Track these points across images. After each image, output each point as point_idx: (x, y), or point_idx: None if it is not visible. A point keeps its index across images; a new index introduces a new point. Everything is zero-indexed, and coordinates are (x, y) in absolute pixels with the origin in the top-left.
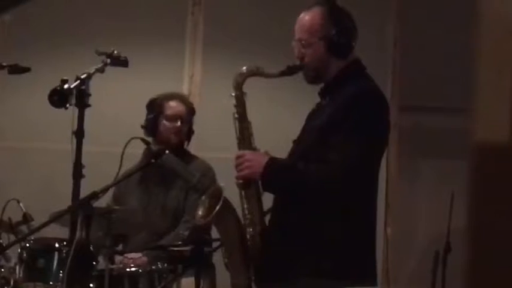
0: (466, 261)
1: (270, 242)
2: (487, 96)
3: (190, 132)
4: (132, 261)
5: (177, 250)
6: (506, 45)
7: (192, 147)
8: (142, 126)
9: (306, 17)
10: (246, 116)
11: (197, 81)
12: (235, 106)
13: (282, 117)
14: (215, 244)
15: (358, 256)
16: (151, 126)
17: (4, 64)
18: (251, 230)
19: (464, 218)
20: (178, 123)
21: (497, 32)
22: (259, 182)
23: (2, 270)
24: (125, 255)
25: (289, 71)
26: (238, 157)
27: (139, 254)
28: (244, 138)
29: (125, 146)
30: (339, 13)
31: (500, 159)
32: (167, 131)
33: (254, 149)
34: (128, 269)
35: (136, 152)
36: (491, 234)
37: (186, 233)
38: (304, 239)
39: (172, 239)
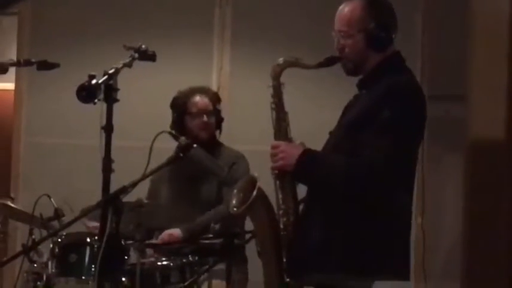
0: (462, 249)
1: (300, 234)
2: (482, 92)
3: (219, 122)
4: (168, 236)
5: (208, 243)
6: (499, 42)
7: (222, 139)
8: (170, 127)
9: (346, 9)
10: (283, 106)
11: (226, 74)
12: (272, 96)
13: (319, 108)
14: (247, 237)
15: (389, 250)
16: (178, 126)
17: (33, 60)
18: (285, 219)
19: None
20: (205, 118)
21: (490, 29)
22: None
23: (35, 265)
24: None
25: (327, 63)
26: (273, 147)
27: (176, 229)
28: (281, 128)
29: (153, 140)
30: (380, 5)
31: (496, 152)
32: (195, 128)
33: (290, 140)
34: (159, 263)
35: (165, 146)
36: (485, 223)
37: (217, 226)
38: (334, 232)
39: (208, 218)
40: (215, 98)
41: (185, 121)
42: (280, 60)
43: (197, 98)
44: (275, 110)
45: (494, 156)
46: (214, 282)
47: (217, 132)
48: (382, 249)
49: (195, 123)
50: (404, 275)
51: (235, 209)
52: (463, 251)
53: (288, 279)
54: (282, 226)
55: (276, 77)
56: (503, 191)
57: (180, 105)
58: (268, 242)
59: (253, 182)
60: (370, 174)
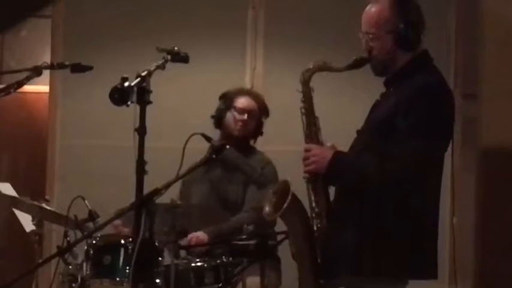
0: (473, 255)
1: (332, 236)
2: (493, 101)
3: (257, 131)
4: (196, 239)
5: (242, 244)
6: (507, 49)
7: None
8: (212, 116)
9: (372, 9)
10: (313, 111)
11: (259, 74)
12: (302, 101)
13: (347, 108)
14: (280, 237)
15: (417, 250)
16: (218, 117)
17: (66, 63)
18: (318, 222)
19: None
20: (245, 116)
21: (498, 34)
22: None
23: (70, 267)
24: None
25: (356, 64)
26: (305, 151)
27: (200, 232)
28: (311, 132)
29: (186, 141)
30: (407, 4)
31: (507, 163)
32: (232, 123)
33: (321, 144)
34: (193, 264)
35: (198, 147)
36: (496, 232)
37: (251, 227)
38: (363, 234)
39: (232, 225)
40: (263, 108)
41: (226, 114)
42: (310, 65)
43: (246, 98)
44: (305, 114)
45: (506, 167)
46: (249, 280)
47: (252, 141)
48: (412, 250)
49: (234, 117)
50: (432, 274)
51: (269, 215)
52: (474, 258)
53: (322, 281)
54: (315, 228)
55: (306, 82)
56: None
57: (227, 98)
58: (302, 244)
59: (286, 186)
60: (397, 176)
